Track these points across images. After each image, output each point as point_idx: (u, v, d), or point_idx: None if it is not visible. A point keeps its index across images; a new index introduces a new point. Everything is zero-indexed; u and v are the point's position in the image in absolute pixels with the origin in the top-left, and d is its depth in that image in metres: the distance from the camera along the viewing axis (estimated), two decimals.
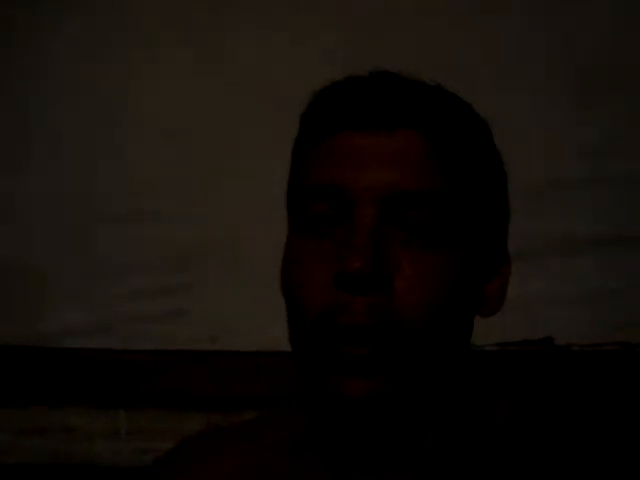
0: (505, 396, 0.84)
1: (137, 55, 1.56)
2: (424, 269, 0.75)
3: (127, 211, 1.56)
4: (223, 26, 1.54)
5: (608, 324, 1.47)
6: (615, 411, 1.38)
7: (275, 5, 1.53)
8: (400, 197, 0.75)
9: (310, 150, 0.79)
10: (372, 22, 1.51)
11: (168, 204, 1.55)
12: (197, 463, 0.89)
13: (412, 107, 0.77)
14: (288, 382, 1.35)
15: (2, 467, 1.56)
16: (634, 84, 1.47)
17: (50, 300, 1.57)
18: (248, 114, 1.52)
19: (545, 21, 1.48)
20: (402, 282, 0.74)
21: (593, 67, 1.47)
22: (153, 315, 1.55)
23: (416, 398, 0.76)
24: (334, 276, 0.74)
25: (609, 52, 1.47)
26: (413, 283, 0.74)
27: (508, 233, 0.85)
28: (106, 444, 1.55)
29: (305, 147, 0.80)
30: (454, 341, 0.78)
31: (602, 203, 1.48)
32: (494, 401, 0.83)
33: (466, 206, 0.77)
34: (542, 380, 1.48)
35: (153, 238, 1.55)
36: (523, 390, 1.42)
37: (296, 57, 1.51)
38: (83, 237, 1.57)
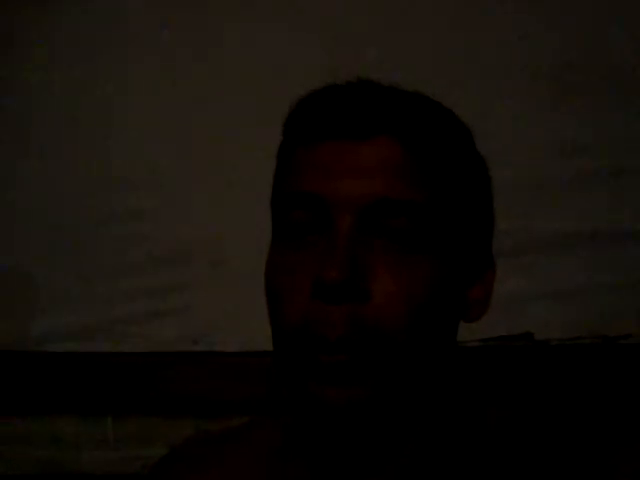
0: (490, 400, 0.85)
1: (128, 56, 1.56)
2: (401, 277, 0.75)
3: (112, 213, 1.56)
4: (220, 26, 1.55)
5: (586, 318, 1.49)
6: (602, 411, 1.40)
7: (272, 5, 1.54)
8: (378, 206, 0.75)
9: (291, 158, 0.80)
10: (364, 24, 1.51)
11: (153, 206, 1.55)
12: (188, 470, 0.90)
13: (390, 115, 0.77)
14: (274, 382, 1.36)
15: None
16: (616, 82, 1.48)
17: (35, 303, 1.57)
18: (237, 115, 1.53)
19: (527, 20, 1.49)
20: (379, 290, 0.74)
21: (576, 65, 1.48)
22: (138, 317, 1.55)
23: (396, 405, 0.76)
24: (312, 285, 0.74)
25: (592, 50, 1.48)
26: (390, 291, 0.74)
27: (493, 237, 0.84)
28: (94, 452, 1.55)
29: (286, 155, 0.81)
30: (434, 347, 0.78)
31: (580, 200, 1.49)
32: (479, 405, 0.84)
33: (446, 213, 0.77)
34: (523, 375, 1.49)
35: (137, 240, 1.55)
36: (507, 391, 1.44)
37: (290, 59, 1.51)
38: (67, 240, 1.56)
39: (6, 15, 1.56)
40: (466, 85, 1.42)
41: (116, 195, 1.55)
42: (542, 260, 1.50)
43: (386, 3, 1.51)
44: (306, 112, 0.79)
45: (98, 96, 1.56)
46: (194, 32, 1.54)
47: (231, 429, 0.93)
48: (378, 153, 0.76)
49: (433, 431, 0.80)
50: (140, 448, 1.51)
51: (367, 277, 0.74)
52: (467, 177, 0.80)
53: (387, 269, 0.74)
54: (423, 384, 0.78)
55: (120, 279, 1.55)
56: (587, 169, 1.49)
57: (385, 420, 0.77)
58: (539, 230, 1.50)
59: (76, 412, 1.55)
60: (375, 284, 0.74)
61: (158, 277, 1.55)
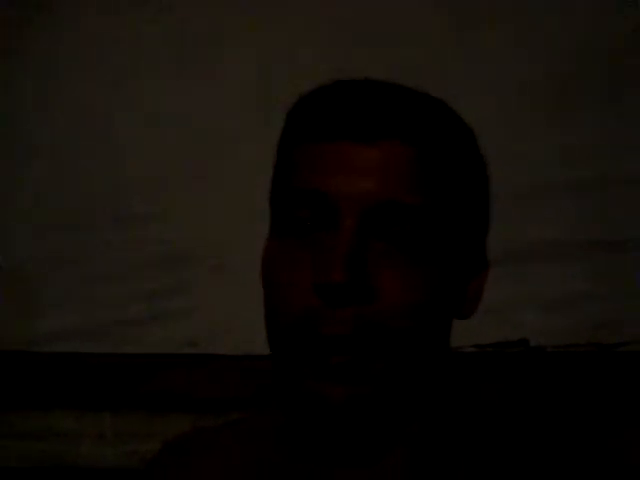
0: (483, 396, 0.86)
1: (135, 56, 1.57)
2: (405, 280, 0.75)
3: (114, 216, 1.56)
4: (222, 28, 1.55)
5: (581, 326, 1.50)
6: (597, 418, 1.40)
7: (274, 6, 1.55)
8: (382, 208, 0.75)
9: (296, 154, 0.79)
10: (368, 23, 1.52)
11: (154, 209, 1.56)
12: (184, 462, 0.90)
13: (399, 120, 0.77)
14: (267, 384, 1.36)
15: None
16: (614, 91, 1.49)
17: (38, 305, 1.58)
18: (234, 118, 1.53)
19: (528, 26, 1.50)
20: (385, 292, 0.74)
21: (576, 72, 1.49)
22: (138, 319, 1.56)
23: (396, 402, 0.77)
24: (315, 286, 0.74)
25: (590, 57, 1.49)
26: (395, 293, 0.75)
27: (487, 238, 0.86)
28: (93, 447, 1.56)
29: (291, 150, 0.80)
30: (434, 345, 0.79)
31: (577, 209, 1.50)
32: (473, 401, 0.85)
33: (447, 217, 0.77)
34: (518, 381, 1.49)
35: (138, 243, 1.56)
36: (501, 390, 1.44)
37: (293, 59, 1.52)
38: (69, 242, 1.57)
39: (11, 17, 1.58)
40: (464, 93, 1.42)
41: (118, 199, 1.56)
42: (538, 267, 1.51)
43: (386, 13, 1.52)
44: (315, 108, 0.79)
45: (107, 97, 1.57)
46: (206, 33, 1.55)
47: (226, 422, 0.93)
48: (386, 157, 0.76)
49: (429, 421, 0.81)
50: (137, 443, 1.52)
51: (370, 279, 0.74)
52: (469, 180, 0.81)
53: (391, 272, 0.75)
54: (421, 380, 0.79)
55: (121, 282, 1.56)
56: (585, 177, 1.50)
57: (384, 415, 0.78)
58: (535, 238, 1.51)
59: (75, 407, 1.56)
60: (379, 286, 0.74)
61: (158, 280, 1.56)
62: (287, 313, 0.76)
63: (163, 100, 1.56)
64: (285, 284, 0.76)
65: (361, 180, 0.76)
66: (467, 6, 1.51)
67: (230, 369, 1.54)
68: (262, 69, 1.54)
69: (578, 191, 1.50)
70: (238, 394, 1.50)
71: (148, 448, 0.99)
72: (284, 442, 0.84)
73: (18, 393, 1.58)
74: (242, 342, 1.50)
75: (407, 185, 0.76)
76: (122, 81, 1.57)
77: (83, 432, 1.56)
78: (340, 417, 0.75)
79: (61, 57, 1.58)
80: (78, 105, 1.57)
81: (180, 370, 1.55)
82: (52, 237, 1.58)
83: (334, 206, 0.75)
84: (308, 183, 0.77)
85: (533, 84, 1.50)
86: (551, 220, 1.51)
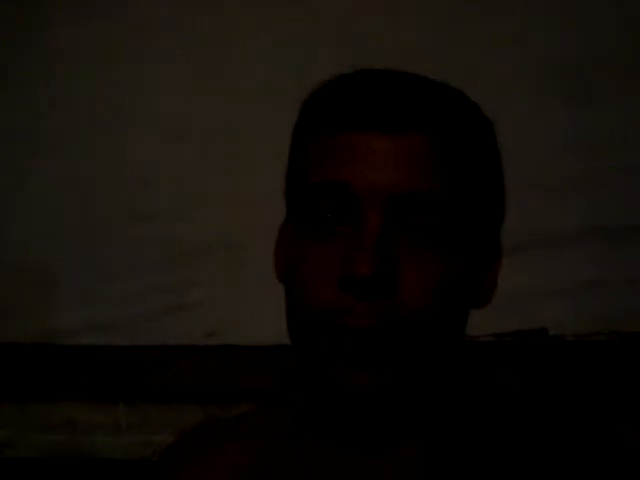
0: (502, 385, 0.86)
1: (137, 56, 1.58)
2: (427, 272, 0.75)
3: (130, 211, 1.58)
4: (223, 27, 1.56)
5: (601, 314, 1.49)
6: (617, 408, 1.39)
7: (276, 4, 1.55)
8: (405, 199, 0.75)
9: (315, 145, 0.78)
10: (372, 22, 1.52)
11: (168, 203, 1.57)
12: (198, 455, 0.90)
13: (422, 111, 0.77)
14: (282, 375, 1.37)
15: (6, 461, 1.58)
16: (621, 80, 1.49)
17: (54, 299, 1.59)
18: (248, 113, 1.54)
19: (536, 19, 1.50)
20: (406, 286, 0.75)
21: (581, 64, 1.48)
22: (153, 312, 1.58)
23: (416, 390, 0.78)
24: (340, 278, 0.74)
25: (597, 50, 1.48)
26: (416, 286, 0.75)
27: (502, 227, 0.86)
28: (107, 437, 1.57)
29: (310, 141, 0.79)
30: (453, 336, 0.80)
31: (594, 196, 1.49)
32: (489, 392, 0.85)
33: (468, 209, 0.78)
34: (537, 370, 1.50)
35: (154, 238, 1.57)
36: (520, 380, 1.44)
37: (296, 56, 1.52)
38: (88, 238, 1.59)
39: (22, 14, 1.58)
40: (481, 83, 1.42)
41: (134, 194, 1.58)
42: (557, 255, 1.50)
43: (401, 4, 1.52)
44: (334, 98, 0.78)
45: (115, 96, 1.58)
46: (209, 32, 1.56)
47: (241, 415, 0.93)
48: (408, 148, 0.76)
49: (444, 419, 0.81)
50: (152, 434, 1.53)
51: (394, 272, 0.74)
52: (488, 173, 0.81)
53: (413, 264, 0.75)
54: (441, 368, 0.79)
55: (137, 276, 1.58)
56: (601, 166, 1.49)
57: (406, 402, 0.78)
58: (555, 226, 1.50)
59: (90, 398, 1.58)
60: (402, 279, 0.74)
61: (174, 274, 1.58)
62: (311, 306, 0.76)
63: (179, 98, 1.57)
64: (308, 277, 0.76)
65: (384, 171, 0.75)
66: None
67: (245, 360, 1.55)
68: (277, 67, 1.54)
69: (601, 179, 1.49)
70: (253, 385, 1.51)
71: (162, 439, 0.99)
72: (298, 434, 0.84)
73: (35, 385, 1.59)
74: (257, 334, 1.51)
75: (427, 175, 0.76)
76: (136, 79, 1.58)
77: (98, 423, 1.58)
78: (363, 403, 0.75)
79: (68, 51, 1.59)
80: (93, 104, 1.59)
81: (195, 361, 1.57)
82: (71, 234, 1.59)
83: (357, 198, 0.75)
84: (331, 175, 0.76)
85: (561, 71, 1.49)
86: (573, 207, 1.50)
